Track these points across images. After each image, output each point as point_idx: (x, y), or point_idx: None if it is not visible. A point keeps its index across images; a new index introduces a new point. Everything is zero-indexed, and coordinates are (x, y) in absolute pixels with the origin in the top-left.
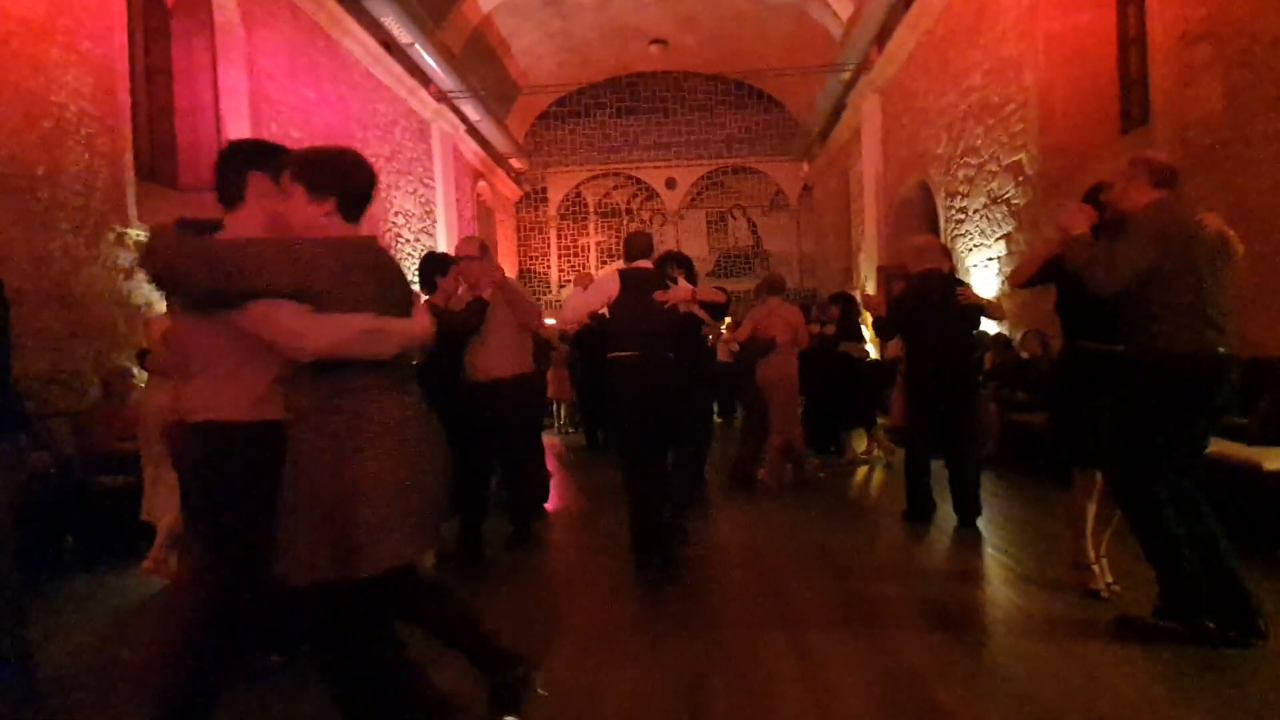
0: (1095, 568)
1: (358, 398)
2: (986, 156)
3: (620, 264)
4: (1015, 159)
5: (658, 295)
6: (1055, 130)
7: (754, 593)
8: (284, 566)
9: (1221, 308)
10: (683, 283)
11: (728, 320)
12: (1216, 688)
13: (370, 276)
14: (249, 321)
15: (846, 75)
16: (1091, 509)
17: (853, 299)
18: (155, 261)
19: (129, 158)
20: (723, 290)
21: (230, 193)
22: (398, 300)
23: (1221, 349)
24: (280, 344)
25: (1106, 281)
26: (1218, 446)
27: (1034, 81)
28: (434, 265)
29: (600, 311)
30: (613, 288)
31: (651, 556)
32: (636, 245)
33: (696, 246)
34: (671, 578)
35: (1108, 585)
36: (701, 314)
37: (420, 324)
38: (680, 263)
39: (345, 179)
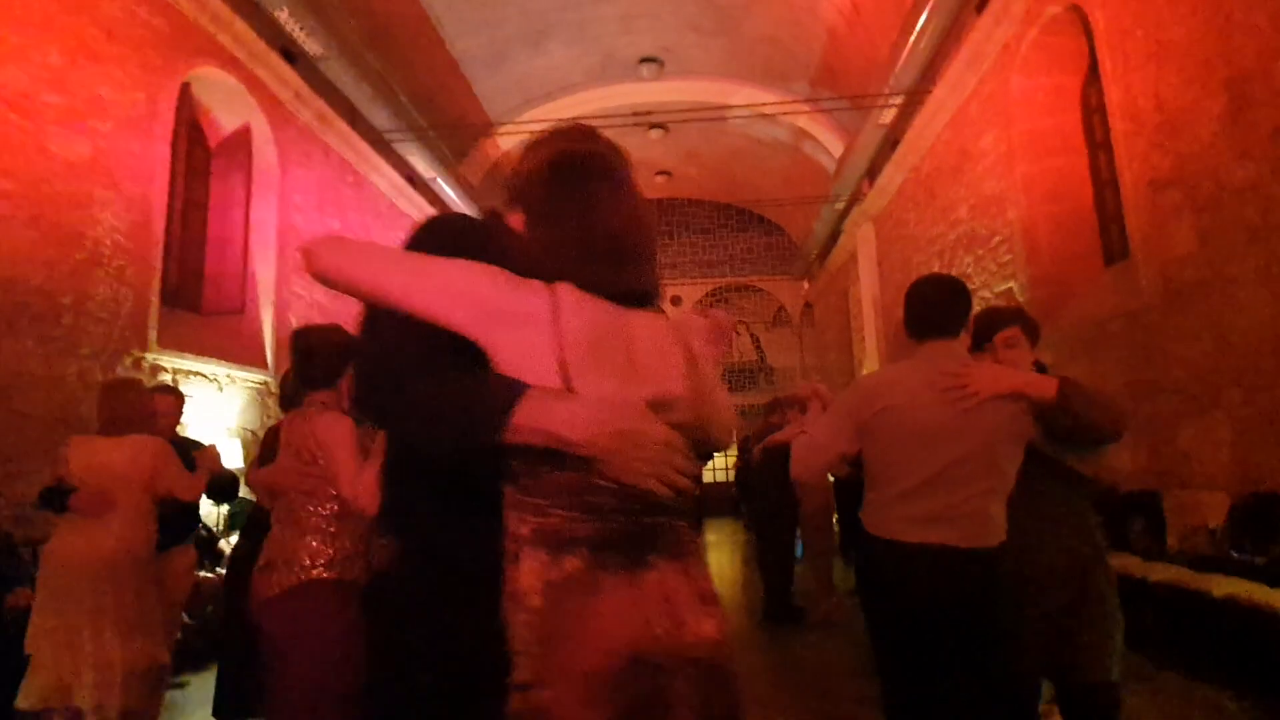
0: None
1: None
2: (979, 284)
3: None
4: (1005, 287)
5: None
6: (1041, 261)
7: None
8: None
9: None
10: None
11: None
12: None
13: None
14: None
15: (841, 205)
16: None
17: None
18: None
19: (156, 285)
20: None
21: None
22: None
23: None
24: None
25: None
26: (1233, 587)
27: (1017, 217)
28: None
29: None
30: None
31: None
32: None
33: None
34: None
35: None
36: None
37: None
38: None
39: None
